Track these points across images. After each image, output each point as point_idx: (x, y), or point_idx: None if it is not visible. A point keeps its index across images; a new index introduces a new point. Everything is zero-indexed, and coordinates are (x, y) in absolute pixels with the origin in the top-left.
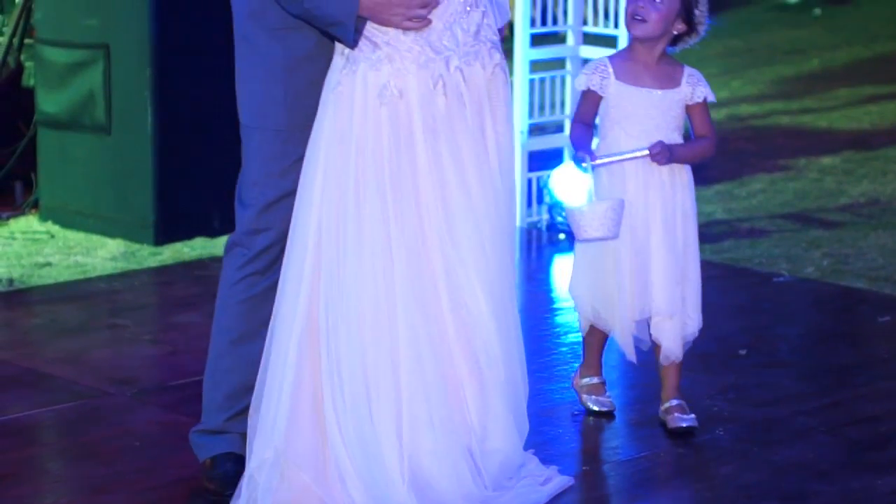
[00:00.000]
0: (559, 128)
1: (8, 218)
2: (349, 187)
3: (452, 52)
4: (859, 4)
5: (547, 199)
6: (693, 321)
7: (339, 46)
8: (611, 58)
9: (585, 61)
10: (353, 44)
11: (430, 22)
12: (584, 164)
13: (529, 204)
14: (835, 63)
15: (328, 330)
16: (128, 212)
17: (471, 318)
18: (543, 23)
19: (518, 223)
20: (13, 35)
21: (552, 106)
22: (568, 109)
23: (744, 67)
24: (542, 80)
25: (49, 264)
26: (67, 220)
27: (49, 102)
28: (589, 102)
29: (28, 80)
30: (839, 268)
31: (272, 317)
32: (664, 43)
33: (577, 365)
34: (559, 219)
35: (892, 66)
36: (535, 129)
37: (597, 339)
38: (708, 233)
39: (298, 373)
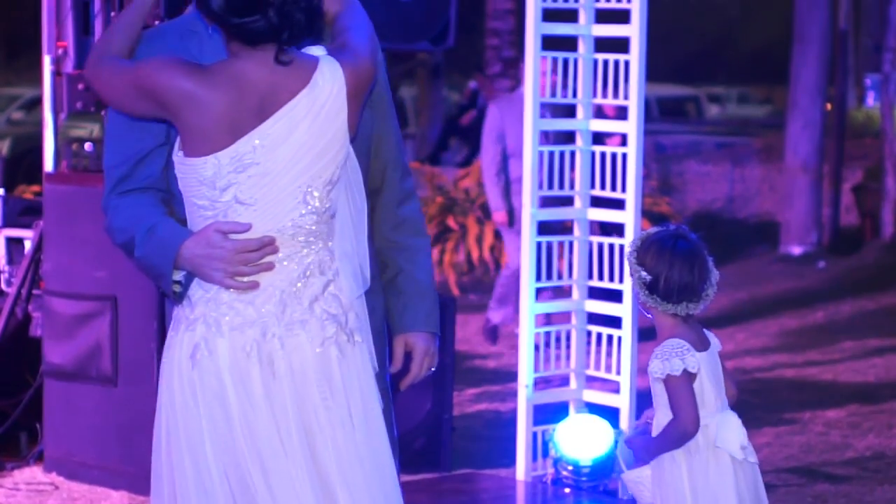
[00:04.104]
0: (564, 381)
1: (12, 469)
2: (184, 456)
3: (273, 318)
4: (865, 256)
5: (552, 452)
6: None
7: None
8: None
9: (590, 316)
10: (174, 297)
11: (256, 284)
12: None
13: (535, 458)
14: (840, 315)
15: None
16: (133, 463)
17: None
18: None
19: (523, 477)
20: (21, 286)
21: (557, 359)
22: (573, 363)
23: (749, 319)
24: (546, 334)
25: None
26: (72, 472)
27: (56, 353)
28: None
29: (35, 331)
30: None
31: None
32: (661, 322)
33: None
34: (564, 473)
35: None
36: (540, 382)
37: None
38: None
39: None
